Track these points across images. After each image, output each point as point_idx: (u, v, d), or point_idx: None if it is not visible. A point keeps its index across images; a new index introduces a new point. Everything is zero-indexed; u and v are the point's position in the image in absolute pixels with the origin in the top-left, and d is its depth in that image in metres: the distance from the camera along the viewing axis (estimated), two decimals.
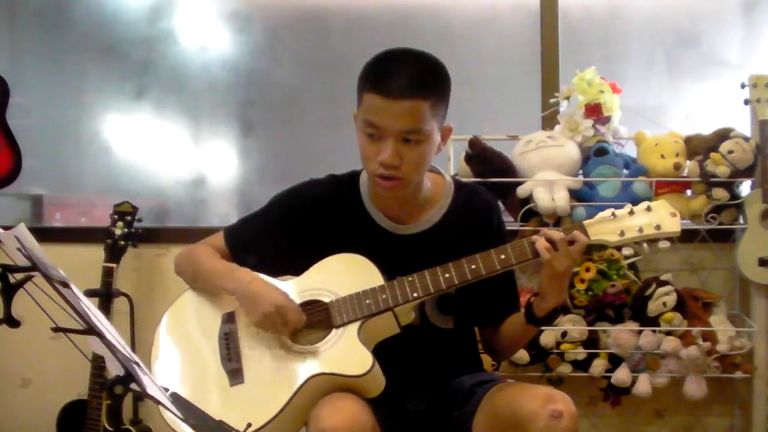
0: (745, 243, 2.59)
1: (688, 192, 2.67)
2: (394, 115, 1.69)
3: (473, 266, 1.73)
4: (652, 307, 2.54)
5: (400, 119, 1.69)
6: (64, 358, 2.76)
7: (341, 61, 3.04)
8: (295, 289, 1.81)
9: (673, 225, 1.73)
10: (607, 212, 1.75)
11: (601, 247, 2.48)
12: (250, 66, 3.23)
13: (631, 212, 1.74)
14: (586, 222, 1.75)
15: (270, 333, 1.76)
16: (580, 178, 2.64)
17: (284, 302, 1.73)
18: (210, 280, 1.85)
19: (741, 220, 2.64)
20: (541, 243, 1.69)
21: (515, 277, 1.97)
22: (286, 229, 1.89)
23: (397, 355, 1.75)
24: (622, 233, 1.73)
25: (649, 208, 1.74)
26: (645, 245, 2.55)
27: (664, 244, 2.47)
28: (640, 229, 1.73)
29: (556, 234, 1.70)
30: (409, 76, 1.70)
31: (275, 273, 1.85)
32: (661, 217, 1.74)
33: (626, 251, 2.57)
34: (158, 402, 1.31)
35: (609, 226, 1.74)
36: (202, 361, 1.79)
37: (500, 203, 2.30)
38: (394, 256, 1.81)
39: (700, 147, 2.62)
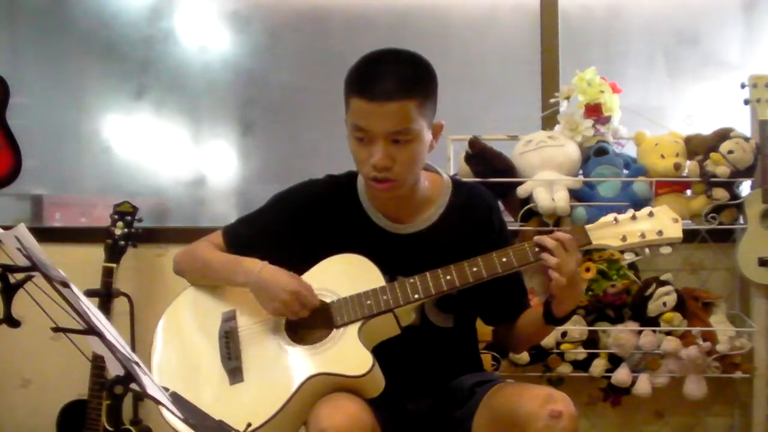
0: (745, 243, 2.59)
1: (688, 192, 2.66)
2: (380, 117, 1.69)
3: (474, 268, 1.73)
4: (652, 307, 2.54)
5: (387, 121, 1.69)
6: (64, 358, 2.77)
7: (341, 61, 3.00)
8: None
9: (675, 231, 1.74)
10: (610, 217, 1.75)
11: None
12: (250, 66, 3.23)
13: (634, 217, 1.75)
14: (588, 226, 1.76)
15: (290, 316, 1.76)
16: (580, 178, 2.63)
17: (298, 286, 1.74)
18: (217, 275, 1.85)
19: (741, 220, 2.64)
20: (550, 260, 1.68)
21: (522, 275, 1.97)
22: (285, 228, 1.89)
23: (396, 355, 1.76)
24: (624, 238, 1.74)
25: (651, 214, 1.75)
26: (647, 250, 2.55)
27: (665, 250, 2.45)
28: (642, 235, 1.74)
29: (550, 242, 1.70)
30: (392, 77, 1.70)
31: None
32: (664, 222, 1.75)
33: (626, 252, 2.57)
34: (158, 402, 1.31)
35: (611, 231, 1.75)
36: (201, 360, 1.79)
37: (500, 203, 2.30)
38: (393, 255, 1.82)
39: (700, 147, 2.62)
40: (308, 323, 1.79)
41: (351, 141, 1.77)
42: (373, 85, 1.69)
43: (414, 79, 1.73)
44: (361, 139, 1.73)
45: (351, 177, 1.92)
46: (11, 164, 2.82)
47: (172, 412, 1.35)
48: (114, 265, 2.70)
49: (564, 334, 2.55)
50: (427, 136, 1.76)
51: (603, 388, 2.67)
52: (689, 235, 2.67)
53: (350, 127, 1.75)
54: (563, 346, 2.56)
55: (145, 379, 1.28)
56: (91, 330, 1.24)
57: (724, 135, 2.60)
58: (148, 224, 2.87)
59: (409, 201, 1.86)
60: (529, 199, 2.57)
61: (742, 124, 2.68)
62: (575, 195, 2.59)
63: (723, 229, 2.62)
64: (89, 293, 2.62)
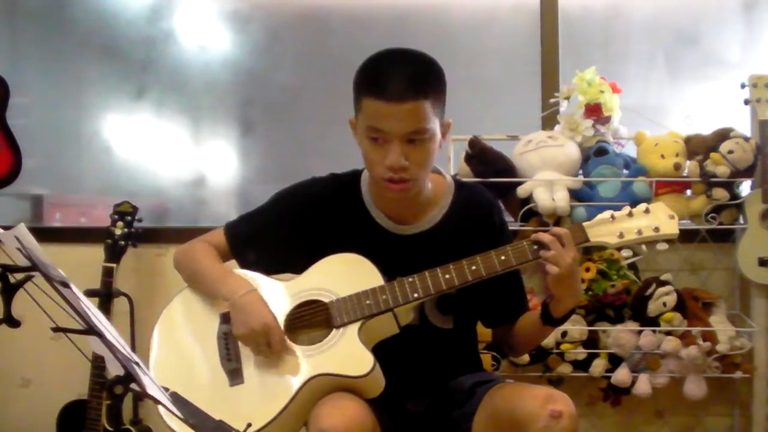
0: (745, 243, 2.59)
1: (688, 192, 2.66)
2: (397, 118, 1.69)
3: (473, 267, 1.73)
4: (652, 307, 2.54)
5: (404, 121, 1.69)
6: (64, 358, 2.76)
7: (341, 61, 3.04)
8: (294, 288, 1.81)
9: (671, 227, 1.74)
10: (606, 214, 1.75)
11: (601, 247, 2.49)
12: (250, 66, 3.23)
13: (630, 214, 1.75)
14: (585, 224, 1.76)
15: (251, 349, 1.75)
16: (580, 178, 2.64)
17: (273, 323, 1.73)
18: (206, 282, 1.84)
19: (741, 220, 2.64)
20: (548, 254, 1.69)
21: (521, 277, 1.97)
22: (287, 226, 1.89)
23: (396, 355, 1.75)
24: (621, 235, 1.74)
25: (647, 210, 1.75)
26: (643, 247, 2.56)
27: (662, 246, 2.46)
28: (639, 231, 1.74)
29: (546, 237, 1.70)
30: (407, 77, 1.69)
31: (274, 270, 1.86)
32: (660, 219, 1.75)
33: (625, 252, 2.57)
34: (158, 402, 1.31)
35: (608, 228, 1.75)
36: (200, 360, 1.78)
37: (500, 203, 2.30)
38: (395, 256, 1.81)
39: (700, 147, 2.62)
40: (308, 323, 1.79)
41: (364, 142, 1.76)
42: (387, 86, 1.68)
43: (427, 78, 1.73)
44: (375, 139, 1.73)
45: (354, 176, 1.92)
46: (11, 164, 2.82)
47: (172, 412, 1.35)
48: (114, 265, 2.70)
49: (564, 334, 2.56)
50: (439, 134, 1.77)
51: (603, 388, 2.67)
52: (689, 235, 2.67)
53: (364, 129, 1.74)
54: (563, 346, 2.56)
55: (145, 379, 1.28)
56: (91, 330, 1.24)
57: (724, 135, 2.60)
58: (148, 224, 2.87)
59: (413, 202, 1.85)
60: (529, 199, 2.57)
61: (742, 124, 2.68)
62: (575, 195, 2.59)
63: (723, 229, 2.62)
64: (89, 293, 2.62)
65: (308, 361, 1.71)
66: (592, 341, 2.58)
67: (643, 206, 1.76)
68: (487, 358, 2.36)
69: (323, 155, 3.08)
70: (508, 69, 3.09)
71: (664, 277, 2.57)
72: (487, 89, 3.07)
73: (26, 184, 3.07)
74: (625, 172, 2.62)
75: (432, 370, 1.87)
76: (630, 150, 2.72)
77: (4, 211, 3.15)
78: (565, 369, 2.60)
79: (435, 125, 1.73)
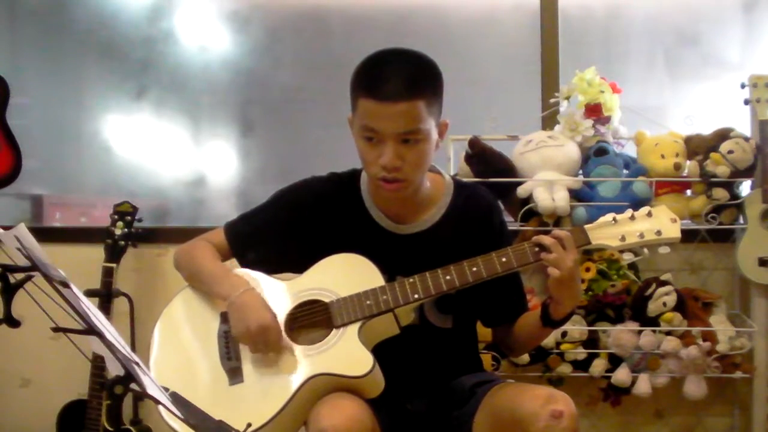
0: (745, 243, 2.59)
1: (688, 192, 2.67)
2: (391, 118, 1.69)
3: (474, 268, 1.73)
4: (652, 307, 2.54)
5: (397, 122, 1.69)
6: (64, 358, 2.76)
7: (341, 61, 3.02)
8: (295, 288, 1.81)
9: (673, 231, 1.74)
10: (609, 217, 1.76)
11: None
12: (250, 66, 3.23)
13: (632, 217, 1.75)
14: (587, 226, 1.76)
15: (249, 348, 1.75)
16: (580, 178, 2.64)
17: (269, 323, 1.72)
18: (205, 282, 1.85)
19: (741, 220, 2.64)
20: (548, 257, 1.69)
21: (521, 277, 1.97)
22: (286, 225, 1.89)
23: (396, 355, 1.75)
24: (623, 238, 1.74)
25: (650, 214, 1.75)
26: (645, 249, 2.56)
27: (664, 249, 2.48)
28: (641, 235, 1.74)
29: (548, 240, 1.71)
30: (401, 77, 1.70)
31: (274, 270, 1.86)
32: (662, 222, 1.75)
33: (626, 252, 2.57)
34: (158, 402, 1.31)
35: (610, 231, 1.75)
36: (200, 360, 1.79)
37: (500, 203, 2.30)
38: (394, 255, 1.82)
39: (700, 147, 2.63)
40: (308, 323, 1.79)
41: (359, 141, 1.76)
42: (381, 86, 1.69)
43: (422, 79, 1.73)
44: (370, 139, 1.73)
45: (353, 175, 1.92)
46: (11, 164, 2.82)
47: (172, 412, 1.35)
48: (114, 265, 2.70)
49: (564, 334, 2.56)
50: (435, 135, 1.77)
51: (603, 388, 2.67)
52: (689, 235, 2.67)
53: (359, 128, 1.75)
54: (563, 346, 2.56)
55: (145, 379, 1.28)
56: (91, 330, 1.24)
57: (724, 135, 2.61)
58: (148, 224, 2.87)
59: (412, 201, 1.85)
60: (529, 199, 2.57)
61: (742, 124, 2.68)
62: (575, 195, 2.59)
63: (723, 229, 2.62)
64: (89, 293, 2.62)
65: (308, 361, 1.71)
66: (592, 341, 2.58)
67: (645, 209, 1.76)
68: (487, 358, 2.36)
69: (323, 155, 3.08)
70: (508, 69, 3.09)
71: (664, 277, 2.57)
72: (487, 89, 3.07)
73: (26, 184, 3.07)
74: (625, 172, 2.62)
75: (432, 370, 1.87)
76: (630, 150, 2.72)
77: (4, 211, 3.15)
78: (565, 369, 2.60)
79: (430, 126, 1.73)
